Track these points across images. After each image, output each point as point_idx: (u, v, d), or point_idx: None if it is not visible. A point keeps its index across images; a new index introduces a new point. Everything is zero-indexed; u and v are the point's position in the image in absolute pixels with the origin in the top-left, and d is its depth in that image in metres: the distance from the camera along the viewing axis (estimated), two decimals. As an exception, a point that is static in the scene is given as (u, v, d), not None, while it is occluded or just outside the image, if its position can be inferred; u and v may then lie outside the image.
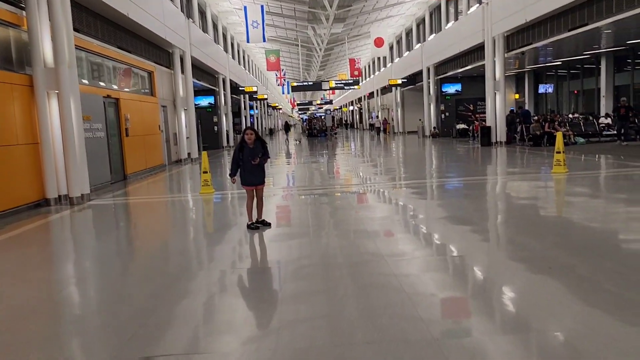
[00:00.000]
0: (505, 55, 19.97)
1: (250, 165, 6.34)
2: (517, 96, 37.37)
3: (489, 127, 20.32)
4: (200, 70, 25.10)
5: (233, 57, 35.14)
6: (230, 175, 6.46)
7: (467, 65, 24.93)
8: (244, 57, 40.86)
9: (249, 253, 5.88)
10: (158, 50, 17.70)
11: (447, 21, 27.56)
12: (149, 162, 15.88)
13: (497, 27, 19.44)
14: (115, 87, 13.87)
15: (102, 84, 13.09)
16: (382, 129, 37.99)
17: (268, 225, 6.56)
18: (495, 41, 19.94)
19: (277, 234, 6.37)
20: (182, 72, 19.73)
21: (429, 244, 5.87)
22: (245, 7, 22.64)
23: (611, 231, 5.88)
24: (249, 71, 42.81)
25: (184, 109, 19.89)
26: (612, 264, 4.41)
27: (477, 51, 23.04)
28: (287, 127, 48.80)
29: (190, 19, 20.86)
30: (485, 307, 3.69)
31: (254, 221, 6.49)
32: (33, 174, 9.23)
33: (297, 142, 34.13)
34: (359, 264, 4.82)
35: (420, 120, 35.16)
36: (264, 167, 6.57)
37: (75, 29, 11.16)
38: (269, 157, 6.65)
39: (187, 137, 20.08)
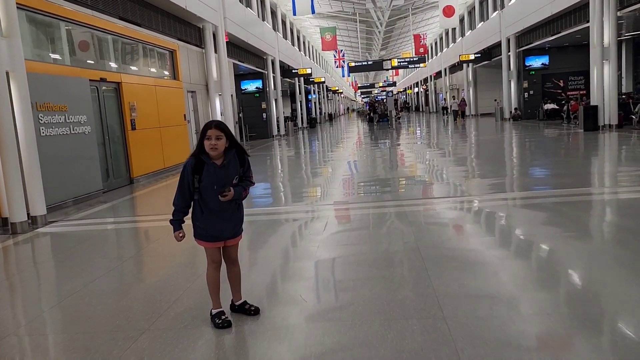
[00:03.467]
0: (619, 13, 15.49)
1: (216, 202, 3.14)
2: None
3: (595, 107, 15.96)
4: (244, 50, 22.21)
5: (285, 37, 32.06)
6: (172, 221, 3.24)
7: (559, 32, 20.40)
8: (298, 37, 37.69)
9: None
10: (183, 25, 14.82)
11: (533, -20, 22.92)
12: (170, 159, 13.10)
13: (608, -24, 15.03)
14: (114, 68, 11.06)
15: (90, 63, 10.28)
16: (459, 111, 31.24)
17: (253, 312, 3.33)
18: (604, -4, 15.50)
19: (277, 348, 3.05)
20: (216, 51, 16.83)
21: None
22: (290, -26, 19.34)
23: None
24: (304, 53, 39.63)
25: (219, 95, 17.01)
26: None
27: (574, 13, 18.57)
28: (373, 109, 40.23)
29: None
30: None
31: (223, 310, 3.26)
32: (-37, 189, 6.52)
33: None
34: None
35: (495, 100, 30.69)
36: (242, 204, 3.36)
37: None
38: (253, 184, 3.39)
39: (222, 128, 17.20)
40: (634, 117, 15.65)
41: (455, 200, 7.21)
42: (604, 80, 15.95)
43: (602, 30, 15.76)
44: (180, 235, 3.17)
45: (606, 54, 15.78)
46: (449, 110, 33.56)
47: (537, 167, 10.23)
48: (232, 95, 20.04)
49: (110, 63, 10.94)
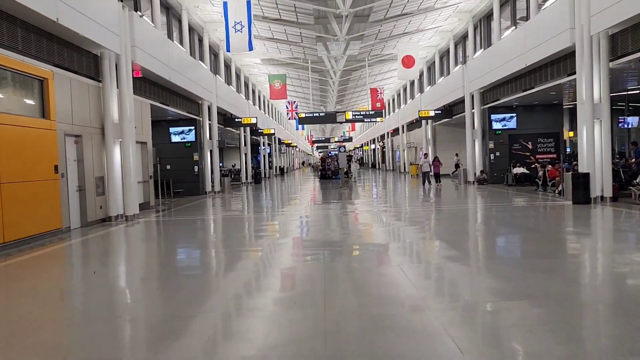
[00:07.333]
0: (611, 64, 12.97)
1: None
2: (571, 134, 30.32)
3: (586, 175, 13.08)
4: (172, 92, 18.70)
5: (229, 83, 28.89)
6: None
7: (533, 87, 17.96)
8: (245, 85, 34.64)
9: None
10: (64, 48, 11.16)
11: (501, 32, 20.77)
12: (18, 229, 9.09)
13: (599, 20, 12.53)
14: None
15: None
16: (432, 173, 23.09)
17: None
18: (593, 43, 13.00)
19: None
20: (118, 86, 13.18)
21: None
22: (225, 3, 16.17)
23: None
24: (252, 102, 36.52)
25: (119, 141, 13.20)
26: None
27: (551, 65, 16.15)
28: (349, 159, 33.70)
29: (137, 12, 14.37)
30: None
31: None
32: None
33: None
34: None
35: (457, 155, 28.55)
36: None
37: None
38: None
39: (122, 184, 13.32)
40: (633, 189, 12.76)
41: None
42: (595, 143, 13.21)
43: (592, 84, 13.16)
44: None
45: (597, 111, 13.11)
46: (421, 172, 23.77)
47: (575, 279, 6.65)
48: (146, 143, 16.30)
49: None
